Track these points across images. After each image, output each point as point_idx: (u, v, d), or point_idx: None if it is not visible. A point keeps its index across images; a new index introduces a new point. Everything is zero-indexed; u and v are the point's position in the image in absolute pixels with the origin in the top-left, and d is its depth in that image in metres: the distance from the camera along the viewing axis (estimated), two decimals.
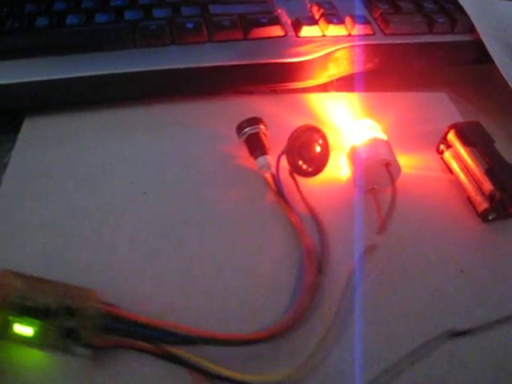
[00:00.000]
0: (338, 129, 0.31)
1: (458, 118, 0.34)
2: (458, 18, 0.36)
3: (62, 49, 0.31)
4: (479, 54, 0.36)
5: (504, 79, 0.34)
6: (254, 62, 0.32)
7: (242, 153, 0.29)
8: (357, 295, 0.24)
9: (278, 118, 0.32)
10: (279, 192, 0.27)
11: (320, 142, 0.27)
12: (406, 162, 0.29)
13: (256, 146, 0.29)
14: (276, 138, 0.29)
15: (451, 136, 0.30)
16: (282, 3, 0.37)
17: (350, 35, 0.35)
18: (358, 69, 0.35)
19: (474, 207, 0.28)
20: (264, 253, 0.26)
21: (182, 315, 0.23)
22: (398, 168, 0.27)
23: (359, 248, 0.25)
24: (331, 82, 0.35)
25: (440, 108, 0.35)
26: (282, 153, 0.28)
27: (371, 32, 0.35)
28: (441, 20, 0.36)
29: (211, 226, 0.26)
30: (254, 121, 0.29)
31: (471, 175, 0.28)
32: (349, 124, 0.31)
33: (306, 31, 0.34)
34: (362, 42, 0.34)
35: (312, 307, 0.23)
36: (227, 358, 0.21)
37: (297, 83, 0.34)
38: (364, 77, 0.35)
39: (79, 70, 0.31)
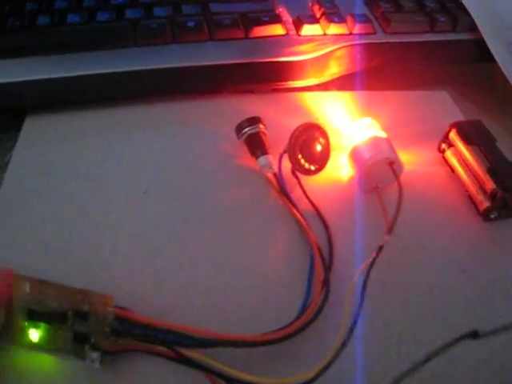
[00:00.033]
0: (339, 128, 0.31)
1: (460, 117, 0.34)
2: (459, 17, 0.36)
3: (63, 47, 0.31)
4: (481, 53, 0.36)
5: (506, 78, 0.34)
6: (255, 60, 0.32)
7: (243, 152, 0.29)
8: (362, 295, 0.23)
9: (279, 116, 0.32)
10: (282, 191, 0.27)
11: (321, 139, 0.27)
12: (408, 160, 0.29)
13: (256, 145, 0.29)
14: (277, 136, 0.29)
15: (453, 135, 0.30)
16: (283, 2, 0.37)
17: (351, 34, 0.34)
18: (359, 68, 0.35)
19: (476, 206, 0.28)
20: (268, 252, 0.26)
21: (182, 315, 0.23)
22: (401, 165, 0.27)
23: (363, 247, 0.25)
24: (332, 80, 0.35)
25: (441, 107, 0.35)
26: (284, 151, 0.28)
27: (372, 31, 0.35)
28: (442, 19, 0.35)
29: (212, 225, 0.26)
30: (253, 120, 0.29)
31: (473, 174, 0.28)
32: (349, 123, 0.31)
33: (307, 30, 0.34)
34: (364, 41, 0.34)
35: (324, 306, 0.22)
36: (236, 360, 0.21)
37: (298, 82, 0.34)
38: (365, 76, 0.35)
39: (80, 69, 0.31)
